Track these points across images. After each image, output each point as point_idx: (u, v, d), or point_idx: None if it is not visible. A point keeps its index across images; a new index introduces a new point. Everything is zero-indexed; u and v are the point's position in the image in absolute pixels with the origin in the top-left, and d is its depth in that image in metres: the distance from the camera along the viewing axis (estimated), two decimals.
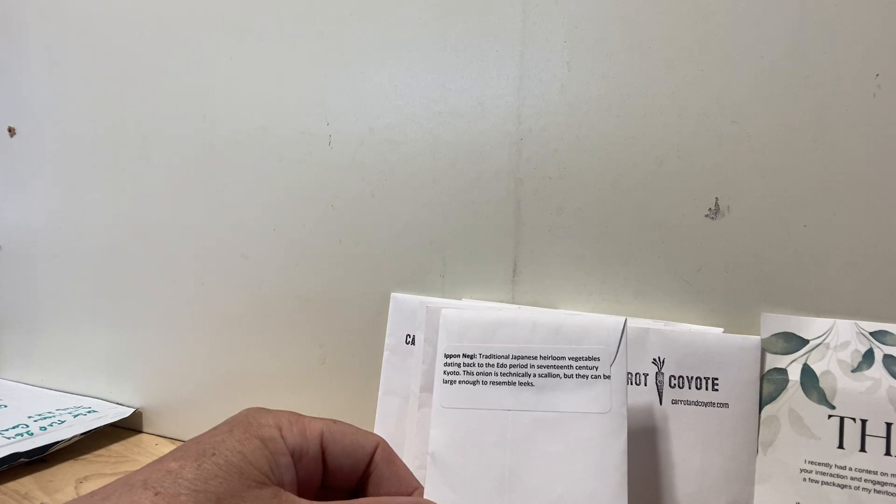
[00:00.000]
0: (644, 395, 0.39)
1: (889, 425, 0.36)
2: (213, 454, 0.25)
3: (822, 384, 0.38)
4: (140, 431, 0.63)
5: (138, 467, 0.26)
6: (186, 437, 0.60)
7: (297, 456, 0.28)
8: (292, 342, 0.55)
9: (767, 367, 0.39)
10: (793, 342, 0.39)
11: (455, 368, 0.34)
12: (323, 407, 0.54)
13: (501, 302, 0.48)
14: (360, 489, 0.32)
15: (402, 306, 0.48)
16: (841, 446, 0.37)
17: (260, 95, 0.55)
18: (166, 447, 0.60)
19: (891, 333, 0.37)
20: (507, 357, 0.33)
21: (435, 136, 0.49)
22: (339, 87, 0.52)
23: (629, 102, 0.43)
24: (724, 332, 0.41)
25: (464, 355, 0.34)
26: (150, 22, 0.60)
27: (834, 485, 0.37)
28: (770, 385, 0.39)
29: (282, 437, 0.28)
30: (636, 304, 0.44)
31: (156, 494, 0.23)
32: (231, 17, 0.56)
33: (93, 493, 0.24)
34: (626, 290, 0.44)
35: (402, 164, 0.50)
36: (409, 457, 0.41)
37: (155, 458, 0.27)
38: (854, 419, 0.37)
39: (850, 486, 0.36)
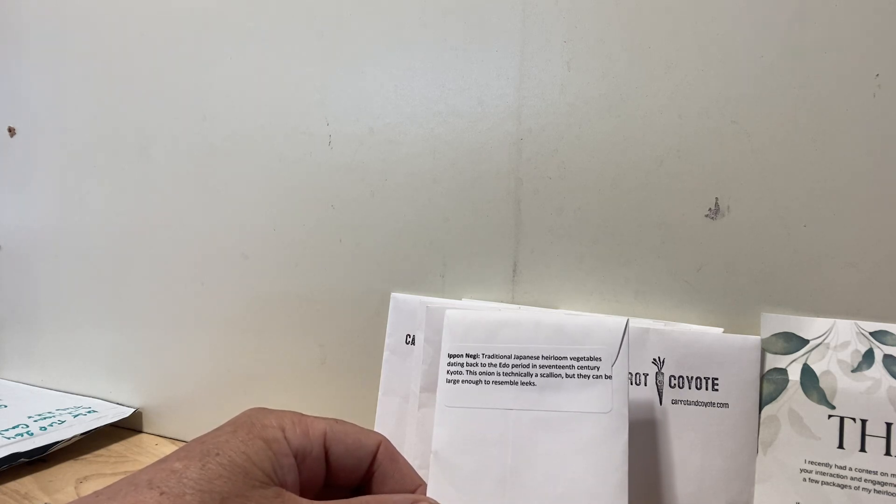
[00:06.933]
0: (644, 395, 0.39)
1: (889, 425, 0.36)
2: (218, 454, 0.25)
3: (822, 384, 0.38)
4: (140, 431, 0.63)
5: (139, 467, 0.26)
6: (187, 437, 0.60)
7: (300, 457, 0.29)
8: (292, 342, 0.55)
9: (767, 367, 0.39)
10: (793, 342, 0.39)
11: (458, 368, 0.34)
12: (323, 407, 0.54)
13: (501, 302, 0.48)
14: (364, 487, 0.32)
15: (402, 306, 0.48)
16: (841, 446, 0.37)
17: (260, 95, 0.55)
18: (166, 447, 0.60)
19: (891, 333, 0.37)
20: (509, 357, 0.34)
21: (435, 135, 0.49)
22: (339, 87, 0.52)
23: (629, 102, 0.43)
24: (724, 332, 0.41)
25: (467, 355, 0.34)
26: (150, 22, 0.60)
27: (834, 485, 0.37)
28: (770, 385, 0.39)
29: (285, 438, 0.28)
30: (636, 304, 0.44)
31: (161, 494, 0.23)
32: (231, 17, 0.56)
33: (97, 493, 0.24)
34: (626, 290, 0.44)
35: (402, 164, 0.50)
36: (409, 456, 0.41)
37: (155, 458, 0.27)
38: (854, 419, 0.37)
39: (850, 486, 0.36)
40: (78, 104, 0.65)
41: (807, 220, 0.39)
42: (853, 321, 0.38)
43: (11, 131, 0.69)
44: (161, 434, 0.62)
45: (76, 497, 0.49)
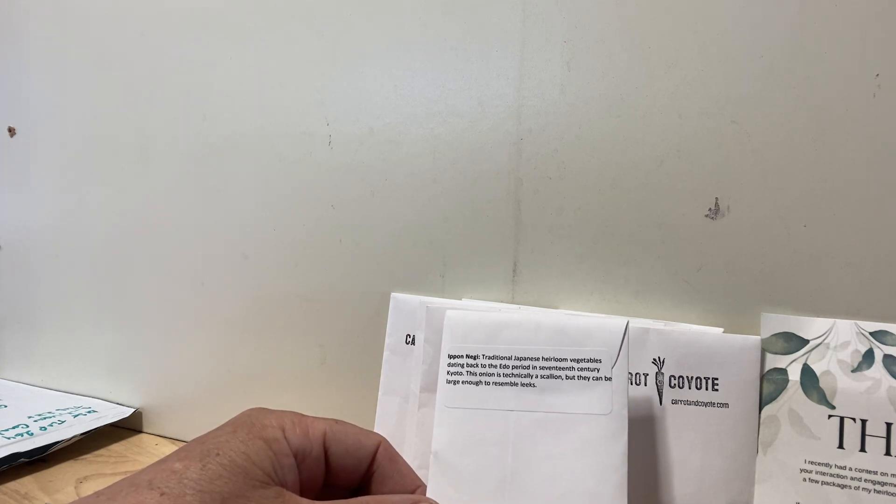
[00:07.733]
0: (644, 395, 0.39)
1: (889, 425, 0.36)
2: (218, 454, 0.25)
3: (822, 384, 0.38)
4: (140, 431, 0.63)
5: (139, 467, 0.26)
6: (187, 437, 0.60)
7: (300, 457, 0.29)
8: (292, 342, 0.55)
9: (767, 367, 0.39)
10: (793, 342, 0.39)
11: (459, 369, 0.34)
12: (323, 407, 0.54)
13: (501, 302, 0.48)
14: (363, 488, 0.32)
15: (402, 306, 0.48)
16: (841, 446, 0.37)
17: (260, 95, 0.55)
18: (166, 447, 0.60)
19: (891, 333, 0.37)
20: (509, 358, 0.34)
21: (435, 135, 0.49)
22: (339, 87, 0.52)
23: (629, 102, 0.43)
24: (724, 332, 0.41)
25: (467, 356, 0.34)
26: (150, 22, 0.60)
27: (834, 485, 0.37)
28: (770, 385, 0.39)
29: (285, 438, 0.28)
30: (636, 304, 0.44)
31: (161, 495, 0.23)
32: (231, 17, 0.56)
33: (98, 493, 0.24)
34: (626, 290, 0.44)
35: (402, 164, 0.50)
36: (409, 456, 0.41)
37: (155, 458, 0.27)
38: (854, 419, 0.37)
39: (850, 486, 0.36)
40: (78, 104, 0.65)
41: (807, 220, 0.39)
42: (853, 321, 0.38)
43: (11, 131, 0.69)
44: (161, 434, 0.62)
45: (76, 497, 0.49)
